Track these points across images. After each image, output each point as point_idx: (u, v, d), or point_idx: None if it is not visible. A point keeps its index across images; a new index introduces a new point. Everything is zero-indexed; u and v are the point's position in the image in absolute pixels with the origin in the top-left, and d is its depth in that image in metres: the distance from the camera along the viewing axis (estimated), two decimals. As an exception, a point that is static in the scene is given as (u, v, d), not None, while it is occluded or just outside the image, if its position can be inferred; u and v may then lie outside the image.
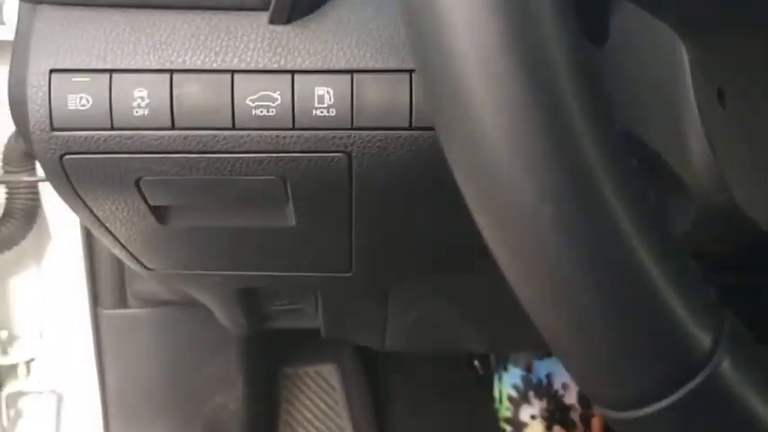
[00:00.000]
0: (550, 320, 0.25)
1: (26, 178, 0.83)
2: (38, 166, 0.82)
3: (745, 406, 0.25)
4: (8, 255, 0.89)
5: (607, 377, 0.25)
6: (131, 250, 0.51)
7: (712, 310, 0.25)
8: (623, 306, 0.24)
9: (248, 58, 0.40)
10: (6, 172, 0.85)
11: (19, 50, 0.41)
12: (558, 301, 0.24)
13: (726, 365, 0.24)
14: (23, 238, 0.88)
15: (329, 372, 1.02)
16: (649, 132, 0.35)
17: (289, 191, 0.43)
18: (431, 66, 0.24)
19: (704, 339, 0.25)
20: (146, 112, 0.40)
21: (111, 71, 0.40)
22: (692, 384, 0.24)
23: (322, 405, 1.02)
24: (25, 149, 0.83)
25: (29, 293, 0.94)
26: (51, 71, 0.40)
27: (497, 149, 0.23)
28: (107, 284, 0.78)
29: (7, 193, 0.88)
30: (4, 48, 0.83)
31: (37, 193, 0.87)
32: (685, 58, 0.33)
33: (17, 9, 0.81)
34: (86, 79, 0.40)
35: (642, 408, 0.25)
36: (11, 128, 0.85)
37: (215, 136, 0.40)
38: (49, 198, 0.84)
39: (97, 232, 0.49)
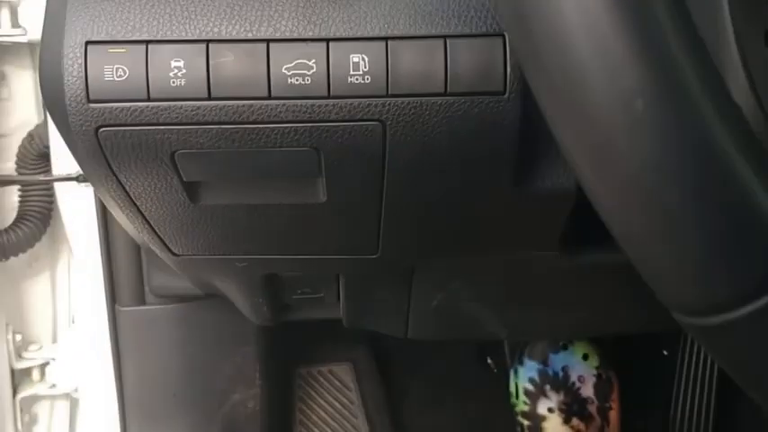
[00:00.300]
0: (636, 223, 0.25)
1: (42, 178, 0.83)
2: (53, 166, 0.82)
3: None
4: (22, 257, 0.89)
5: (698, 279, 0.25)
6: (160, 233, 0.51)
7: None
8: (717, 202, 0.23)
9: (283, 27, 0.40)
10: (21, 174, 0.85)
11: (52, 25, 0.41)
12: (647, 201, 0.24)
13: None
14: (38, 240, 0.88)
15: (344, 371, 1.02)
16: None
17: (322, 163, 0.44)
18: None
19: None
20: (182, 83, 0.40)
21: (147, 42, 0.40)
22: None
23: (337, 404, 1.01)
24: (40, 151, 0.83)
25: (43, 297, 0.94)
26: (87, 43, 0.40)
27: (590, 48, 0.23)
28: (125, 281, 0.78)
29: (21, 195, 0.88)
30: (20, 50, 0.84)
31: (52, 194, 0.87)
32: (725, 2, 0.33)
33: (31, 10, 0.82)
34: (123, 50, 0.40)
35: (734, 310, 0.24)
36: (25, 129, 0.85)
37: (251, 105, 0.41)
38: (64, 198, 0.83)
39: (126, 214, 0.49)
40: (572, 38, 0.23)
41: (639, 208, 0.25)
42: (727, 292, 0.25)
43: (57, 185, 0.83)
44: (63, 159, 0.78)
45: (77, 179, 0.78)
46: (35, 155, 0.84)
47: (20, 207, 0.88)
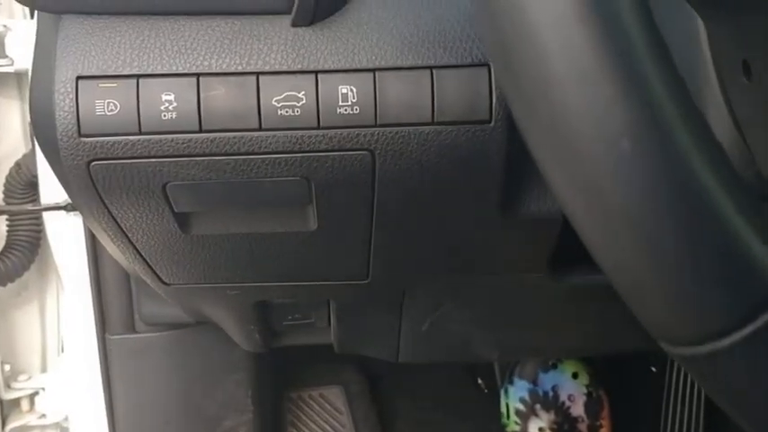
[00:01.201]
0: (620, 256, 0.26)
1: (30, 207, 0.83)
2: (41, 195, 0.82)
3: None
4: (11, 287, 0.88)
5: (682, 312, 0.25)
6: (151, 262, 0.52)
7: None
8: (701, 239, 0.24)
9: (272, 60, 0.41)
10: (8, 204, 0.85)
11: (42, 60, 0.42)
12: (631, 235, 0.25)
13: None
14: (27, 269, 0.88)
15: (334, 394, 1.02)
16: None
17: (312, 192, 0.44)
18: (503, 16, 0.25)
19: None
20: (173, 116, 0.40)
21: (138, 76, 0.40)
22: None
23: (328, 428, 1.01)
24: (28, 180, 0.83)
25: (32, 326, 0.94)
26: (78, 78, 0.40)
27: (575, 88, 0.24)
28: (114, 309, 0.78)
29: (9, 224, 0.88)
30: (7, 80, 0.84)
31: (40, 223, 0.87)
32: (703, 32, 0.34)
33: (18, 41, 0.82)
34: (113, 85, 0.40)
35: (720, 339, 0.25)
36: (13, 159, 0.85)
37: (242, 137, 0.41)
38: (53, 227, 0.83)
39: (117, 244, 0.50)
40: (557, 78, 0.24)
41: (624, 244, 0.25)
42: (712, 324, 0.25)
43: (45, 214, 0.83)
44: (51, 188, 0.78)
45: (66, 208, 0.78)
46: (23, 184, 0.85)
47: (8, 236, 0.87)
